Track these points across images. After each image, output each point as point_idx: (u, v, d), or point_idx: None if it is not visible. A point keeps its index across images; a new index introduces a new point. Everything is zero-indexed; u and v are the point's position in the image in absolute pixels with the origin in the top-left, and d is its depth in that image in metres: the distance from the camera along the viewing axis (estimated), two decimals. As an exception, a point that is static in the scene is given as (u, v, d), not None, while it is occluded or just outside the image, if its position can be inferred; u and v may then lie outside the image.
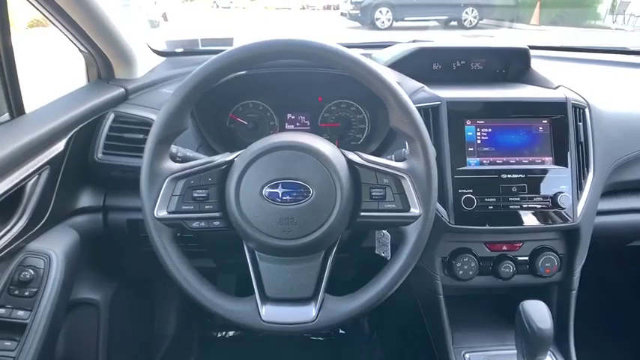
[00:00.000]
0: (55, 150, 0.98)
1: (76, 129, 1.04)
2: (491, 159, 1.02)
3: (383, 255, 1.05)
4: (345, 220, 0.77)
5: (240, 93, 1.18)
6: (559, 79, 1.16)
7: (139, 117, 1.10)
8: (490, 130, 1.03)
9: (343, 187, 0.75)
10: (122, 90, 1.16)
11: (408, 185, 0.77)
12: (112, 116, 1.10)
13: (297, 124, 1.20)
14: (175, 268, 0.78)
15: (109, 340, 1.19)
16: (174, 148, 0.88)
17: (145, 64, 1.27)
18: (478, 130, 1.03)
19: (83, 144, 1.07)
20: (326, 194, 0.75)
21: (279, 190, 0.75)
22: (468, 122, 1.02)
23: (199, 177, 0.79)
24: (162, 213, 0.77)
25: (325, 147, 0.77)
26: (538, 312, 0.89)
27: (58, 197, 1.01)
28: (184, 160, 0.88)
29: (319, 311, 0.77)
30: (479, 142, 1.02)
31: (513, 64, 1.28)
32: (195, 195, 0.78)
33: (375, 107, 1.18)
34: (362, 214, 0.78)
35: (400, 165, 0.79)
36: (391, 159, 0.89)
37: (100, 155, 1.08)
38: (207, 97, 1.09)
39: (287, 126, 1.20)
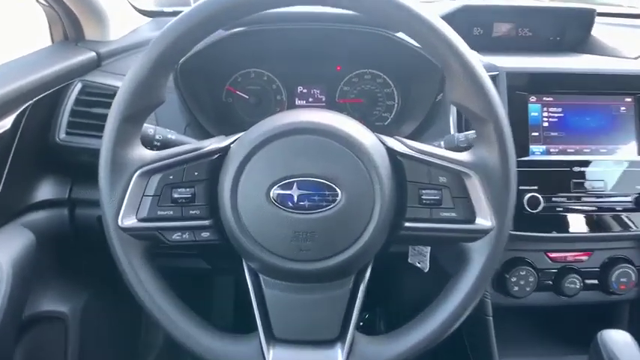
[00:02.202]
0: (-1, 128, 0.76)
1: (31, 102, 0.82)
2: (560, 147, 0.80)
3: (418, 265, 0.84)
4: (384, 233, 0.55)
5: (240, 59, 0.95)
6: (636, 48, 0.93)
7: (113, 87, 0.87)
8: (560, 109, 0.81)
9: (384, 188, 0.54)
10: (93, 54, 0.93)
11: (475, 186, 0.55)
12: (78, 86, 0.88)
13: (310, 99, 0.97)
14: (148, 297, 0.57)
15: (80, 357, 0.98)
16: (150, 129, 0.66)
17: (124, 24, 1.03)
18: (545, 109, 0.80)
19: (41, 121, 0.85)
20: (360, 198, 0.53)
21: (294, 192, 0.53)
22: (532, 99, 0.80)
23: (182, 170, 0.57)
24: (129, 221, 0.56)
25: (358, 130, 0.55)
26: (626, 348, 0.68)
27: (6, 189, 0.79)
28: (165, 145, 0.66)
29: (348, 358, 0.56)
30: (545, 124, 0.80)
31: (571, 30, 1.05)
32: (176, 196, 0.56)
33: (407, 79, 0.95)
34: (407, 224, 0.56)
35: (463, 157, 0.56)
36: (439, 147, 0.67)
37: (62, 135, 0.86)
38: (197, 64, 0.88)
39: (297, 101, 0.97)
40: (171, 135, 0.68)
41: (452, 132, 0.83)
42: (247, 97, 0.96)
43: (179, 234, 0.57)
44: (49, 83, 0.85)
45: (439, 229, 0.56)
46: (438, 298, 0.57)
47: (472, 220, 0.55)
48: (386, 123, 0.97)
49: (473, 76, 0.54)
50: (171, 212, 0.56)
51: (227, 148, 0.58)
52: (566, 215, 0.79)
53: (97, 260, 1.03)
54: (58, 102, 0.87)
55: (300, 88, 0.97)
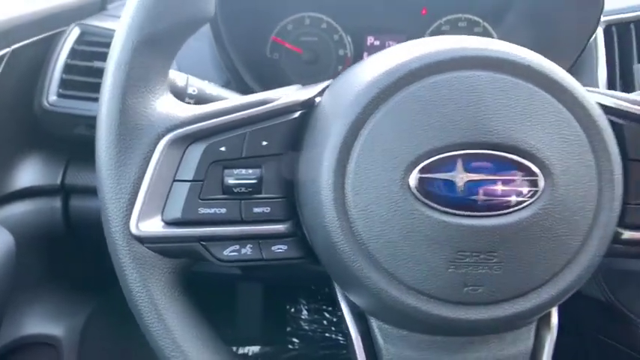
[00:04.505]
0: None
1: (8, 50, 0.59)
2: None
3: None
4: (604, 249, 0.32)
5: (290, 1, 0.71)
6: None
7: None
8: None
9: (615, 172, 0.30)
10: None
11: None
12: (75, 32, 0.66)
13: (384, 54, 0.73)
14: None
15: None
16: (179, 79, 0.42)
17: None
18: None
19: (23, 78, 0.62)
20: (577, 190, 0.29)
21: (458, 177, 0.29)
22: None
23: (241, 137, 0.33)
24: (150, 225, 0.33)
25: (560, 69, 0.31)
26: None
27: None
28: (202, 100, 0.43)
29: None
30: None
31: None
32: (232, 182, 0.33)
33: (511, 25, 0.70)
34: (627, 235, 0.33)
35: None
36: None
37: (52, 98, 0.63)
38: (239, 4, 0.64)
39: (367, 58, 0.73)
40: (211, 89, 0.44)
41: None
42: (300, 50, 0.72)
43: (235, 248, 0.33)
44: (33, 26, 0.62)
45: None
46: None
47: None
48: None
49: None
50: (224, 210, 0.33)
51: (312, 102, 0.34)
52: None
53: (100, 266, 0.80)
54: (46, 53, 0.64)
55: (370, 40, 0.73)
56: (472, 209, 0.29)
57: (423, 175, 0.29)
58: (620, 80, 0.60)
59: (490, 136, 0.29)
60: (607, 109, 0.33)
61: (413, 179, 0.29)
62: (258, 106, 0.34)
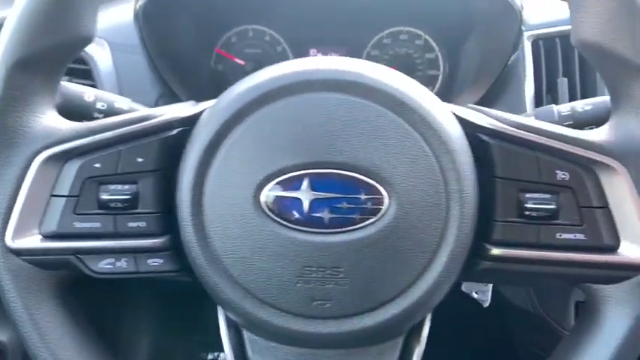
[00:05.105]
0: None
1: None
2: None
3: (475, 296, 0.61)
4: (459, 266, 0.32)
5: (234, 14, 0.73)
6: None
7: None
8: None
9: (466, 190, 0.31)
10: None
11: (620, 187, 0.32)
12: None
13: (327, 66, 0.74)
14: None
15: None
16: (88, 94, 0.43)
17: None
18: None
19: None
20: (423, 208, 0.30)
21: (304, 195, 0.30)
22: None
23: (116, 154, 0.34)
24: (26, 239, 0.34)
25: (416, 89, 0.32)
26: None
27: None
28: (112, 114, 0.44)
29: None
30: None
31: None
32: (106, 197, 0.34)
33: (458, 39, 0.71)
34: (495, 252, 0.33)
35: (598, 137, 0.33)
36: None
37: None
38: (173, 15, 0.66)
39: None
40: (122, 104, 0.45)
41: (528, 109, 0.59)
42: (243, 62, 0.73)
43: (110, 261, 0.34)
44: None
45: (552, 262, 0.33)
46: None
47: (613, 248, 0.32)
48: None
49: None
50: (99, 224, 0.34)
51: (194, 119, 0.35)
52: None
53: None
54: None
55: (312, 52, 0.74)
56: (318, 226, 0.29)
57: (273, 193, 0.30)
58: (547, 94, 0.61)
59: (335, 156, 0.29)
60: (477, 128, 0.34)
61: (264, 197, 0.30)
62: (137, 123, 0.35)
